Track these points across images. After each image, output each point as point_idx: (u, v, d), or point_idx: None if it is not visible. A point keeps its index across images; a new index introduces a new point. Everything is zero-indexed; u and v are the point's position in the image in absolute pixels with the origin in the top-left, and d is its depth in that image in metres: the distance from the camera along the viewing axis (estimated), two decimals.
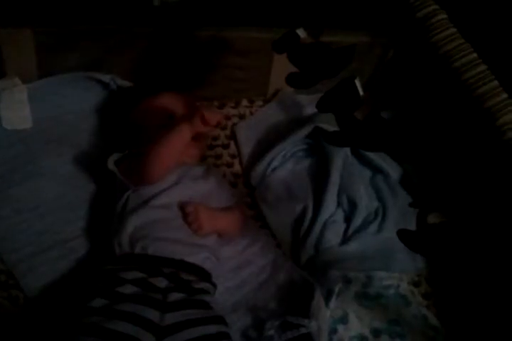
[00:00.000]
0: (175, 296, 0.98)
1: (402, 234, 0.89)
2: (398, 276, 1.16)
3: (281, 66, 1.27)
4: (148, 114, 1.21)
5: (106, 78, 1.30)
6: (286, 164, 1.33)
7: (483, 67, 0.79)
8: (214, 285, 1.07)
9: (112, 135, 1.30)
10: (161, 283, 0.99)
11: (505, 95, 0.81)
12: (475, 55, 0.80)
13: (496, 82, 0.80)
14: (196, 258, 1.05)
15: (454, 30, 0.82)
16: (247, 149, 1.37)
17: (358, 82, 0.90)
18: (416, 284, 1.21)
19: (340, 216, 1.25)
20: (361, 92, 0.90)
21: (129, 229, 1.05)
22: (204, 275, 1.06)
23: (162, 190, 1.10)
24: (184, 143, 1.10)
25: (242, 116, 1.42)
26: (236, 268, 1.18)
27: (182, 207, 1.09)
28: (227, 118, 1.41)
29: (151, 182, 1.09)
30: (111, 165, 1.11)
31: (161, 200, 1.09)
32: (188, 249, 1.05)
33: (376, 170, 1.32)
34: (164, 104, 1.21)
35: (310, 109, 1.39)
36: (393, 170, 1.31)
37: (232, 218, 1.16)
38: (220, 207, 1.17)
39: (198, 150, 1.22)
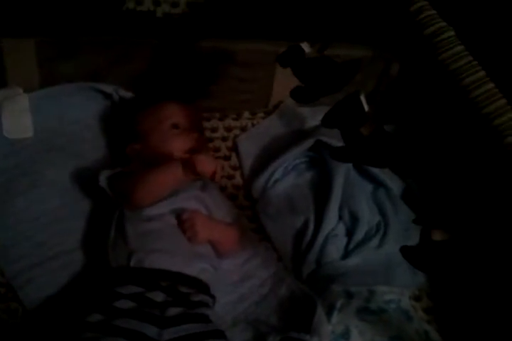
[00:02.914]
0: (173, 311, 0.97)
1: (405, 251, 0.89)
2: (399, 291, 1.16)
3: (284, 78, 1.28)
4: (151, 123, 1.20)
5: (109, 89, 1.30)
6: (287, 177, 1.33)
7: (491, 85, 0.79)
8: (213, 298, 1.06)
9: (113, 145, 1.29)
10: (159, 297, 0.98)
11: None
12: (483, 72, 0.80)
13: (504, 101, 0.80)
14: (193, 269, 1.04)
15: (461, 47, 0.82)
16: (248, 161, 1.36)
17: (363, 98, 0.90)
18: (417, 298, 1.21)
19: (341, 230, 1.25)
20: (366, 108, 0.90)
21: (124, 242, 1.05)
22: (202, 287, 1.05)
23: (156, 202, 1.09)
24: (175, 182, 1.07)
25: (243, 128, 1.42)
26: (237, 281, 1.17)
27: (178, 214, 1.08)
28: (229, 129, 1.41)
29: (136, 208, 1.08)
30: (102, 182, 1.11)
31: (155, 212, 1.08)
32: (184, 260, 1.04)
33: (378, 184, 1.32)
34: (167, 114, 1.21)
35: (312, 122, 1.39)
36: (395, 185, 1.31)
37: (228, 233, 1.15)
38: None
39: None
